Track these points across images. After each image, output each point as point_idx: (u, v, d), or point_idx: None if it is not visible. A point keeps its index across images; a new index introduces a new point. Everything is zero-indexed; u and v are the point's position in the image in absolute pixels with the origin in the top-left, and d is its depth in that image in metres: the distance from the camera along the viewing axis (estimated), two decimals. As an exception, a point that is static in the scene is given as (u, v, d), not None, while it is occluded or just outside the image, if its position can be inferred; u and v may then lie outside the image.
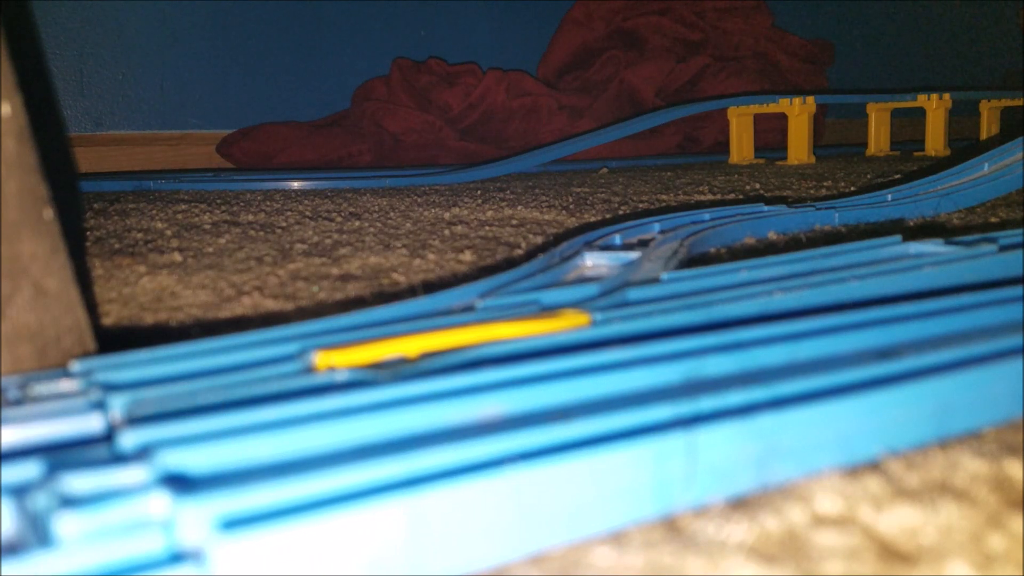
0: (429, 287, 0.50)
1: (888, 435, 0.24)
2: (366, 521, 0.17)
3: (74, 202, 0.96)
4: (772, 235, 0.63)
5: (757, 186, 1.05)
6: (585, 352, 0.27)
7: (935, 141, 1.57)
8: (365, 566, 0.17)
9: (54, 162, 0.37)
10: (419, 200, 0.97)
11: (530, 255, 0.59)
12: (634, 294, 0.35)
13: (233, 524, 0.17)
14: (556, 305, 0.34)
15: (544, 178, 1.30)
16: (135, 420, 0.22)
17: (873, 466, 0.24)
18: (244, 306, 0.47)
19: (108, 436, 0.23)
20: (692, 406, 0.23)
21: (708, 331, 0.29)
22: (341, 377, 0.26)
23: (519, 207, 0.87)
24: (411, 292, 0.49)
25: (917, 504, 0.21)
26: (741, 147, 1.58)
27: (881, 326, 0.30)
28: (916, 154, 1.58)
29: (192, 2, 1.63)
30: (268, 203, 0.97)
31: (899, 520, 0.21)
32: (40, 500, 0.19)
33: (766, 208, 0.67)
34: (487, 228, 0.73)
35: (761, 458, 0.22)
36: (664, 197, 0.95)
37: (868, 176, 1.15)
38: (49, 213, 0.32)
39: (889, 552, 0.20)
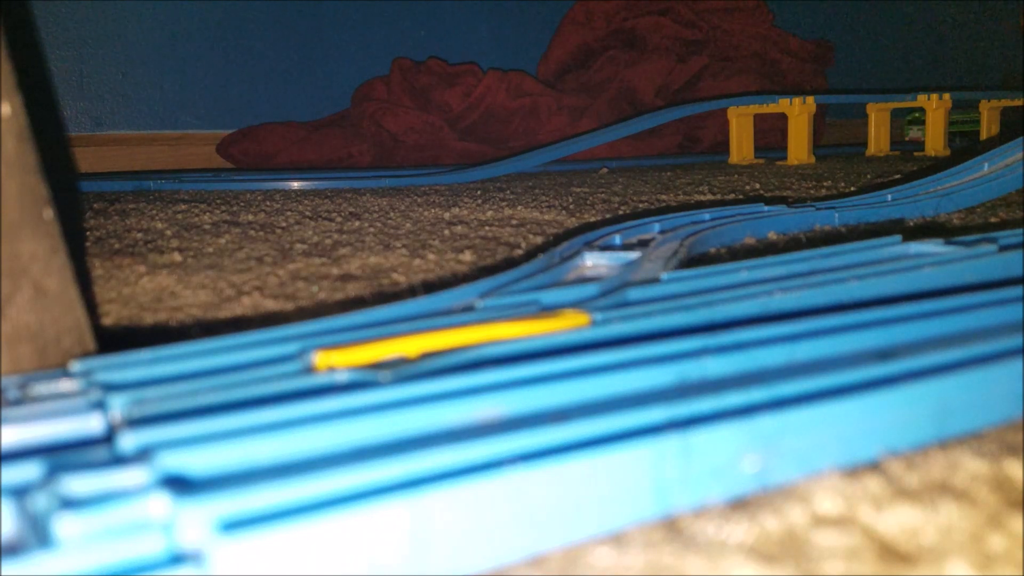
0: (429, 287, 0.50)
1: (888, 436, 0.24)
2: (365, 522, 0.17)
3: (74, 202, 0.96)
4: (772, 235, 0.63)
5: (757, 186, 1.05)
6: (585, 352, 0.27)
7: (935, 141, 1.57)
8: (365, 567, 0.17)
9: (54, 162, 0.37)
10: (419, 200, 0.97)
11: (530, 255, 0.59)
12: (634, 294, 0.35)
13: (233, 526, 0.17)
14: (556, 305, 0.34)
15: (544, 178, 1.30)
16: (135, 421, 0.22)
17: (873, 466, 0.24)
18: (244, 306, 0.47)
19: (108, 436, 0.23)
20: (690, 407, 0.23)
21: (708, 332, 0.29)
22: (341, 377, 0.26)
23: (519, 207, 0.87)
24: (411, 292, 0.49)
25: (917, 504, 0.21)
26: (741, 147, 1.58)
27: (881, 327, 0.30)
28: (916, 154, 1.58)
29: (192, 2, 1.63)
30: (268, 203, 0.97)
31: (899, 520, 0.21)
32: (40, 501, 0.19)
33: (766, 208, 0.67)
34: (487, 228, 0.73)
35: (761, 459, 0.22)
36: (664, 197, 0.95)
37: (868, 176, 1.15)
38: (49, 213, 0.32)
39: (889, 552, 0.20)
